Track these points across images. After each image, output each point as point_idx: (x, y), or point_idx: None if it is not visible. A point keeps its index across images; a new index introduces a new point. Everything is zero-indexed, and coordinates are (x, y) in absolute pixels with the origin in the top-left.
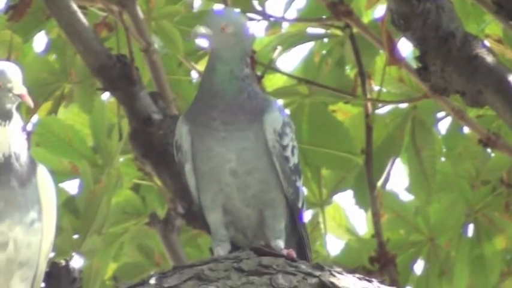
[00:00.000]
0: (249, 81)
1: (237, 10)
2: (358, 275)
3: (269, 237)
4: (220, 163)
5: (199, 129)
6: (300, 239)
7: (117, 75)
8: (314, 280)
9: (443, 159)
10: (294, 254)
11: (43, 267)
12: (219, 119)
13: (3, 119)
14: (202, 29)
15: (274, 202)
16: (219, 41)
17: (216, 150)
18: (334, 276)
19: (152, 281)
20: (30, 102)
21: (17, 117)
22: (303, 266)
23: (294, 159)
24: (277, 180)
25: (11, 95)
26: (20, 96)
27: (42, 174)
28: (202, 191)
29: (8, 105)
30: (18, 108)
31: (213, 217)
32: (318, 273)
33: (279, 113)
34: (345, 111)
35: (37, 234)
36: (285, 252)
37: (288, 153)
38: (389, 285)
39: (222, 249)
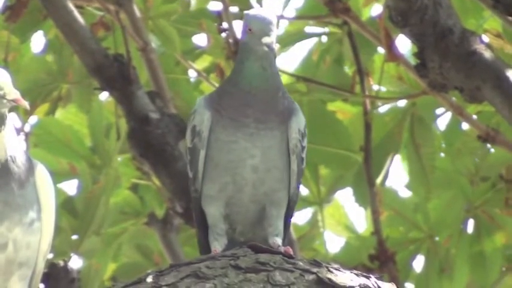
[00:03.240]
0: (280, 79)
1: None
2: (355, 271)
3: (268, 235)
4: (242, 157)
5: (225, 120)
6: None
7: (115, 74)
8: (311, 277)
9: (442, 155)
10: (291, 251)
11: (41, 267)
12: (253, 117)
13: None
14: (268, 39)
15: (281, 201)
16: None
17: (241, 144)
18: (331, 272)
19: (149, 279)
20: (26, 105)
21: (9, 118)
22: (301, 263)
23: (305, 162)
24: (288, 180)
25: (5, 101)
26: (14, 101)
27: (41, 173)
28: (210, 180)
29: (2, 111)
30: (14, 109)
31: (214, 209)
32: (315, 269)
33: (302, 115)
34: (343, 110)
35: (36, 234)
36: (282, 249)
37: (304, 154)
38: (388, 282)
39: (219, 244)
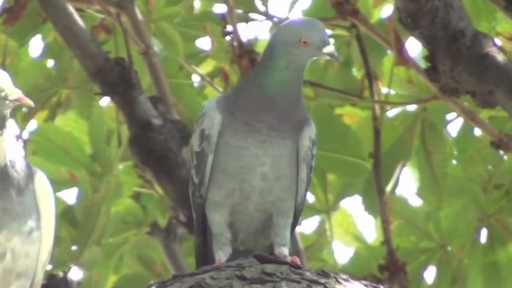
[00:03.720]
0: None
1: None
2: (365, 282)
3: (275, 245)
4: (252, 164)
5: (238, 123)
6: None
7: (116, 79)
8: None
9: (454, 162)
10: (298, 261)
11: (40, 277)
12: (267, 123)
13: (0, 128)
14: (331, 48)
15: (288, 210)
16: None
17: (252, 150)
18: (340, 283)
19: None
20: (30, 102)
21: (9, 123)
22: (308, 273)
23: (312, 170)
24: (296, 189)
25: (7, 102)
26: (18, 100)
27: (40, 180)
28: (216, 186)
29: (4, 112)
30: (12, 115)
31: (219, 216)
32: (323, 280)
33: (313, 123)
34: (352, 115)
35: (35, 243)
36: (289, 259)
37: (313, 163)
38: None
39: (223, 253)
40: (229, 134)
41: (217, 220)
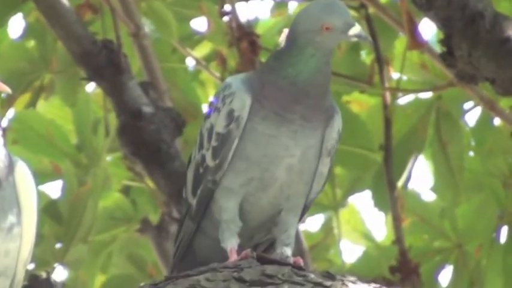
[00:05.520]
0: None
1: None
2: (374, 284)
3: (278, 243)
4: (279, 154)
5: (267, 113)
6: None
7: (103, 63)
8: None
9: (471, 154)
10: (301, 262)
11: (21, 277)
12: (300, 113)
13: None
14: (356, 29)
15: (299, 207)
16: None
17: (282, 140)
18: (346, 286)
19: None
20: (7, 89)
21: None
22: (312, 275)
23: None
24: (311, 185)
25: None
26: None
27: (21, 171)
28: (234, 172)
29: None
30: None
31: (233, 203)
32: (328, 283)
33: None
34: (360, 102)
35: (16, 240)
36: (291, 260)
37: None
38: None
39: (236, 242)
40: (257, 121)
41: (231, 207)
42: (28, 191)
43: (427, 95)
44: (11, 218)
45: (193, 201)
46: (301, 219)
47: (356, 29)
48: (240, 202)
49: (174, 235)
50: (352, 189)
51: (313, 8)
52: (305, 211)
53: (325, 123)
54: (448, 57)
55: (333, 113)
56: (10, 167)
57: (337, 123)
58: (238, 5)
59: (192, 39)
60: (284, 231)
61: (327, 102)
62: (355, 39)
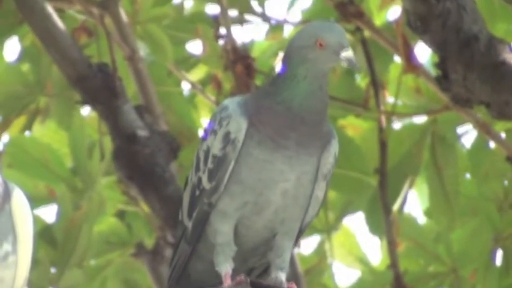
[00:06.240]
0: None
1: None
2: None
3: (272, 268)
4: (274, 178)
5: (262, 137)
6: None
7: (98, 86)
8: None
9: (468, 175)
10: (295, 287)
11: None
12: (295, 140)
13: None
14: (349, 53)
15: (294, 232)
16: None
17: (277, 165)
18: None
19: None
20: None
21: None
22: None
23: None
24: (306, 209)
25: None
26: None
27: (18, 200)
28: (229, 195)
29: None
30: None
31: (228, 227)
32: None
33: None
34: (355, 126)
35: (11, 268)
36: (285, 285)
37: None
38: None
39: (230, 266)
40: (252, 145)
41: (226, 231)
42: (24, 219)
43: (422, 119)
44: (6, 246)
45: (189, 224)
46: (296, 243)
47: (349, 54)
48: (235, 226)
49: (169, 259)
50: (344, 212)
51: (311, 25)
52: (300, 235)
53: (321, 149)
54: (443, 80)
55: (329, 138)
56: (6, 195)
57: (334, 147)
58: (233, 28)
59: (188, 62)
60: (279, 256)
61: (323, 129)
62: (345, 63)
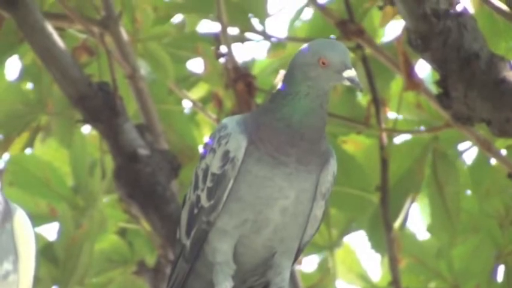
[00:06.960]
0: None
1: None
2: None
3: (272, 286)
4: (273, 196)
5: (261, 155)
6: None
7: (99, 105)
8: None
9: (469, 192)
10: None
11: None
12: (295, 157)
13: None
14: (352, 72)
15: (293, 250)
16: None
17: (276, 182)
18: None
19: None
20: None
21: None
22: None
23: None
24: (305, 228)
25: None
26: None
27: (20, 219)
28: (228, 214)
29: None
30: None
31: (227, 245)
32: None
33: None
34: (357, 143)
35: (12, 287)
36: None
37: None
38: None
39: (229, 285)
40: (251, 162)
41: (225, 249)
42: (26, 238)
43: (424, 135)
44: (7, 265)
45: (187, 242)
46: (295, 262)
47: (351, 73)
48: (234, 244)
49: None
50: (347, 229)
51: (314, 43)
52: (299, 254)
53: (320, 167)
54: (444, 98)
55: (328, 157)
56: (7, 214)
57: (332, 166)
58: (234, 46)
59: (188, 80)
60: (278, 274)
61: (322, 147)
62: (348, 83)
